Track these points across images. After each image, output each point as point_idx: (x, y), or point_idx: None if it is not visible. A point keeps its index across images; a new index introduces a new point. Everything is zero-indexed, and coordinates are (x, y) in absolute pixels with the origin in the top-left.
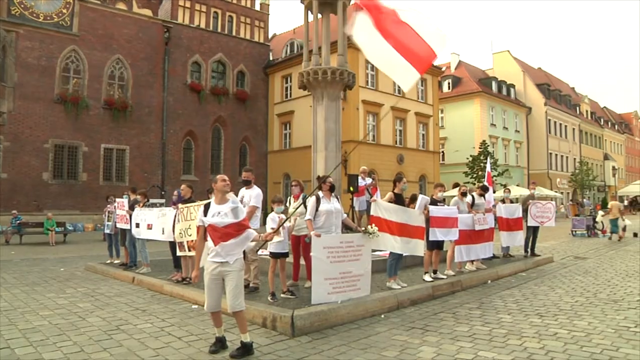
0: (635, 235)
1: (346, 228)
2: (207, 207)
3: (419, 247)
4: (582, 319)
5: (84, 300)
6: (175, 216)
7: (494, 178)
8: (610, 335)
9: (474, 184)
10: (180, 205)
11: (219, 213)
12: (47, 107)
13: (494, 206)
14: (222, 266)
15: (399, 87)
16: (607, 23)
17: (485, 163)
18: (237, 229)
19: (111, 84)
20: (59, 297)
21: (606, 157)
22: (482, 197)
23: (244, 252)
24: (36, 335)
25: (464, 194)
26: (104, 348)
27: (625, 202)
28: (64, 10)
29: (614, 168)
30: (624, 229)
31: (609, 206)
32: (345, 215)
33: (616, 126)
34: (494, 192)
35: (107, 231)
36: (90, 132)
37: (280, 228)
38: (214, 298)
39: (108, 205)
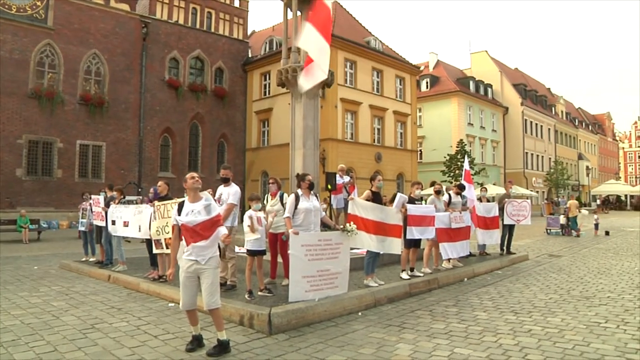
0: (607, 233)
1: (324, 226)
2: (181, 206)
3: (394, 246)
4: (556, 315)
5: (58, 298)
6: (151, 214)
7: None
8: (582, 331)
9: (451, 182)
10: (156, 203)
11: (192, 211)
12: (21, 101)
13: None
14: (197, 264)
15: (378, 85)
16: (583, 26)
17: (463, 162)
18: (209, 226)
19: (87, 79)
20: (32, 296)
21: (580, 157)
22: (459, 196)
23: (221, 249)
24: (7, 335)
25: (438, 192)
26: (78, 347)
27: (598, 202)
28: (38, 3)
29: (587, 168)
30: (597, 227)
31: (567, 205)
32: (323, 213)
33: (590, 127)
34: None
35: (81, 228)
36: (65, 127)
37: (258, 225)
38: (189, 296)
39: (83, 202)
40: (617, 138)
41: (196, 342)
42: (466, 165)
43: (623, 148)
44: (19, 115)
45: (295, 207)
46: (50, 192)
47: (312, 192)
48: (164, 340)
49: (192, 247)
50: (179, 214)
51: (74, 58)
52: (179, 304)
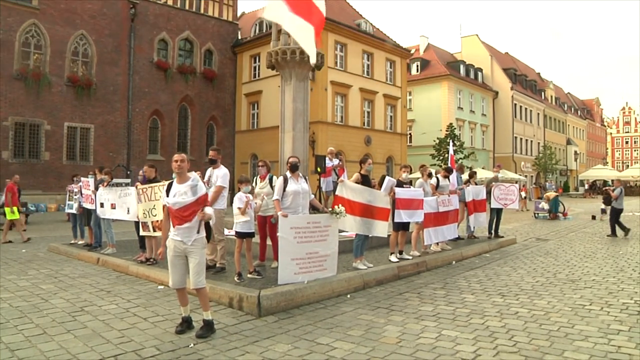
0: (593, 217)
1: (313, 208)
2: (169, 187)
3: (379, 228)
4: (542, 298)
5: (46, 281)
6: (137, 196)
7: (460, 160)
8: (567, 313)
9: (441, 166)
10: (140, 185)
11: (179, 192)
12: (6, 83)
13: (461, 189)
14: (183, 244)
15: (368, 68)
16: (574, 11)
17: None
18: (193, 208)
19: (75, 61)
20: (20, 279)
21: (569, 142)
22: (447, 179)
23: (210, 231)
24: None
25: (429, 175)
26: (67, 330)
27: (586, 186)
28: None
29: (575, 153)
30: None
31: (545, 195)
32: (312, 195)
33: (579, 112)
34: (462, 173)
35: (68, 211)
36: (52, 110)
37: (248, 208)
38: (178, 274)
39: (71, 185)
40: (605, 124)
41: (185, 324)
42: (451, 151)
43: (611, 134)
44: (5, 97)
45: (284, 190)
46: (37, 175)
47: (300, 174)
48: (154, 322)
49: (177, 229)
50: (167, 195)
51: (60, 39)
52: (167, 286)
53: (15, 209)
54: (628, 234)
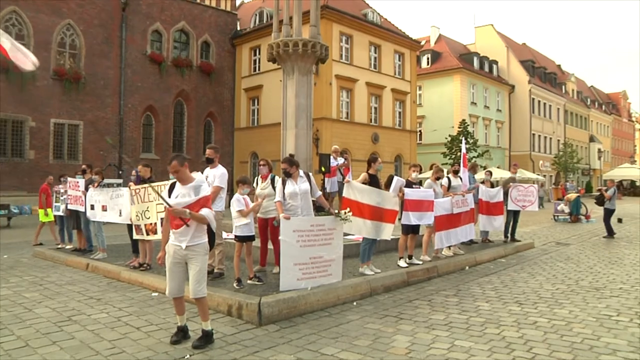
0: (619, 220)
1: (318, 210)
2: (172, 188)
3: (386, 231)
4: (563, 307)
5: (30, 289)
6: (130, 197)
7: (474, 159)
8: (591, 324)
9: (452, 165)
10: (132, 186)
11: (180, 194)
12: None
13: (474, 189)
14: (182, 249)
15: (375, 61)
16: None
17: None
18: (194, 209)
19: (61, 53)
20: (1, 288)
21: (592, 139)
22: (458, 178)
23: (214, 236)
24: None
25: (438, 178)
26: (53, 341)
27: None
28: None
29: (599, 150)
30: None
31: (566, 197)
32: (319, 193)
33: (603, 106)
34: (475, 173)
35: (56, 213)
36: (37, 105)
37: (248, 209)
38: (176, 282)
39: (58, 185)
40: (634, 119)
41: (181, 334)
42: (463, 149)
43: (639, 129)
44: None
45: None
46: (21, 174)
47: (301, 173)
48: (147, 332)
49: (174, 232)
50: (169, 196)
51: (45, 28)
52: (162, 293)
53: (49, 210)
54: (612, 236)
